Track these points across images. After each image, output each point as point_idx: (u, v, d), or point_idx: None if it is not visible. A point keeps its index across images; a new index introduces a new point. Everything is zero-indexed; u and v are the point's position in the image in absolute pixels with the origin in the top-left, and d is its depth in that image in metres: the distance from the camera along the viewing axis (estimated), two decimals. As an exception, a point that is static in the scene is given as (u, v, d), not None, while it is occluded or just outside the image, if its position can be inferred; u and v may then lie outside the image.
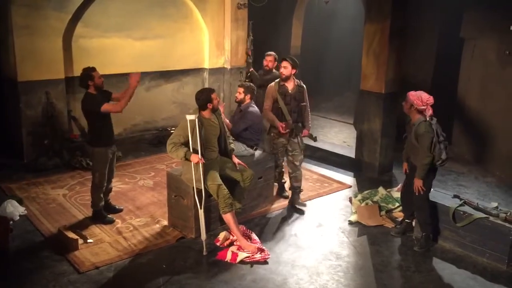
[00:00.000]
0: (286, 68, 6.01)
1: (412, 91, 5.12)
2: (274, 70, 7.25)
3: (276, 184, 6.64)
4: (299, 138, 6.20)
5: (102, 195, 5.73)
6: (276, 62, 7.21)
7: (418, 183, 5.13)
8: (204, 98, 5.27)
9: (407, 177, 5.51)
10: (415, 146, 5.13)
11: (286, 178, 6.68)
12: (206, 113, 5.31)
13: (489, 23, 7.74)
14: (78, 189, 6.72)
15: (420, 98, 4.99)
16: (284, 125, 5.94)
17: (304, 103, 6.19)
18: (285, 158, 6.40)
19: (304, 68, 12.19)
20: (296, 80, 6.16)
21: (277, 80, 6.16)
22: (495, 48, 7.72)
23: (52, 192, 6.59)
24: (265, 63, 7.30)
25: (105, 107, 5.35)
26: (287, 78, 6.05)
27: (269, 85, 6.22)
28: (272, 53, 7.34)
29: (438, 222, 5.42)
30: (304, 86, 6.22)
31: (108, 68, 8.21)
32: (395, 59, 7.27)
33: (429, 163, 5.06)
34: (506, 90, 7.50)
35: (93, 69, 5.50)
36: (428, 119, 5.01)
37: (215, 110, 5.39)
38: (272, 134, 6.22)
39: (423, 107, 4.99)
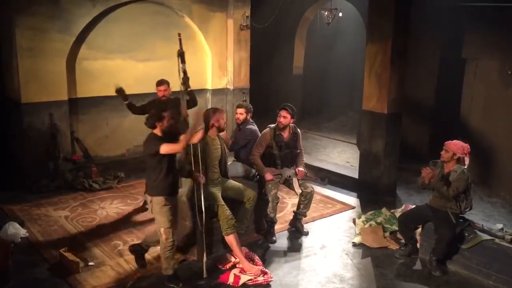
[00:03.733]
0: (286, 118, 5.82)
1: (449, 141, 5.24)
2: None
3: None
4: (295, 179, 6.02)
5: (173, 255, 4.83)
6: (170, 89, 6.58)
7: (433, 178, 5.21)
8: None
9: (420, 212, 5.50)
10: (441, 191, 5.20)
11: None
12: (212, 133, 5.30)
13: (491, 44, 7.77)
14: (80, 211, 6.68)
15: (462, 148, 5.15)
16: (270, 177, 5.78)
17: (298, 150, 6.09)
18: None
19: (307, 88, 12.34)
20: (291, 126, 6.00)
21: (272, 126, 5.95)
22: (497, 68, 7.73)
23: (54, 214, 6.56)
24: (159, 94, 6.50)
25: (164, 147, 4.58)
26: (285, 128, 5.90)
27: (264, 132, 5.97)
28: (165, 80, 6.58)
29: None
30: (299, 131, 6.14)
31: (111, 90, 8.21)
32: (397, 80, 7.28)
33: (445, 195, 5.14)
34: (509, 110, 7.48)
35: (165, 109, 4.79)
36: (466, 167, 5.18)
37: (221, 130, 5.37)
38: None
39: (464, 155, 5.16)
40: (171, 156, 4.69)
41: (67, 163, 7.75)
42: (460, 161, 5.19)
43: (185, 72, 6.32)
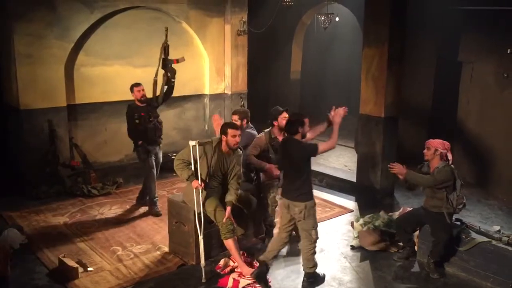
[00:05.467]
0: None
1: (430, 139, 5.36)
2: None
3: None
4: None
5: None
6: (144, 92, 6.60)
7: (402, 171, 5.29)
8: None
9: (416, 214, 5.53)
10: (431, 191, 5.25)
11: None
12: (223, 147, 5.21)
13: (486, 47, 7.81)
14: (78, 217, 6.69)
15: (442, 143, 5.27)
16: (277, 171, 5.65)
17: None
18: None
19: (304, 92, 12.39)
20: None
21: (267, 131, 5.87)
22: (493, 71, 7.77)
23: (52, 220, 6.57)
24: (138, 94, 6.55)
25: (322, 147, 4.90)
26: (282, 130, 5.77)
27: (259, 135, 5.92)
28: (140, 83, 6.64)
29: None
30: None
31: (110, 96, 8.30)
32: (394, 83, 7.31)
33: (423, 184, 5.28)
34: (505, 113, 7.53)
35: (304, 115, 5.07)
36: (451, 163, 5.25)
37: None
38: None
39: (445, 151, 5.25)
40: None
41: (65, 169, 7.77)
42: (443, 157, 5.25)
43: (170, 63, 6.52)
